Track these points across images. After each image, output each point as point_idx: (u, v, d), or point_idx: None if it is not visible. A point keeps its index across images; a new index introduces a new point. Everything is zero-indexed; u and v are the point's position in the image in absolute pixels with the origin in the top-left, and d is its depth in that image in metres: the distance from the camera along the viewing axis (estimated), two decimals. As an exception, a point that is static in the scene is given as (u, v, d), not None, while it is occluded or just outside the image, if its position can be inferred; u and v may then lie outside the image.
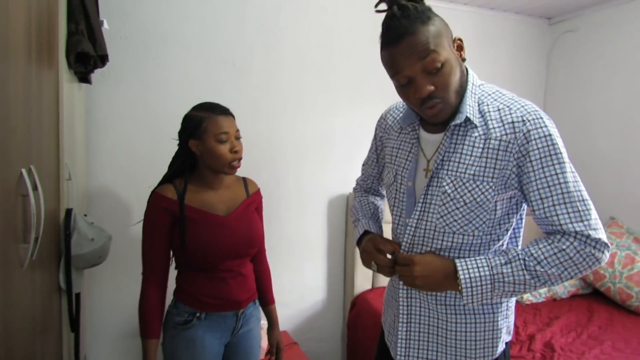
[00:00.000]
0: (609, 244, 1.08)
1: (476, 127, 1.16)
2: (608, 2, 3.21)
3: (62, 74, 1.56)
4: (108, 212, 2.46)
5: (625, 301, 2.78)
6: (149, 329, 1.60)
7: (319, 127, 2.95)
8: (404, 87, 1.15)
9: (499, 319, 1.25)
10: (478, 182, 1.14)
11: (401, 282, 1.29)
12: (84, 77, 1.95)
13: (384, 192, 1.62)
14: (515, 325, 2.55)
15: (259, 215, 1.85)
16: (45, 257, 1.34)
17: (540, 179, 1.10)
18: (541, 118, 1.12)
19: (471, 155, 1.15)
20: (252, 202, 1.79)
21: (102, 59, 1.91)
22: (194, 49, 2.65)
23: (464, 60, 1.19)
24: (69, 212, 1.59)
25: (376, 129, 1.50)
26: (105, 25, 2.02)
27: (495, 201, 1.16)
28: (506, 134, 1.12)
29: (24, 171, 1.04)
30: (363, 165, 1.62)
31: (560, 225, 1.09)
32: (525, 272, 1.10)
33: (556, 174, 1.09)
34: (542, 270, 1.09)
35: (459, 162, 1.17)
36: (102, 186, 2.49)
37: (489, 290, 1.12)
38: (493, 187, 1.14)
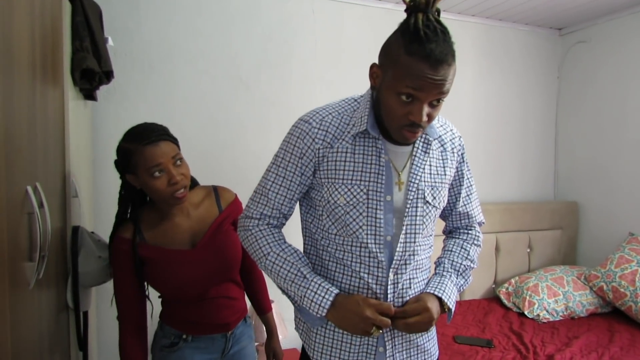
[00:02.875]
0: None
1: (433, 140, 1.29)
2: (621, 11, 3.18)
3: (67, 91, 1.56)
4: (116, 229, 2.44)
5: (649, 321, 2.69)
6: None
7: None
8: (401, 99, 1.09)
9: None
10: (445, 188, 1.31)
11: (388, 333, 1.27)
12: (89, 94, 1.95)
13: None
14: (533, 345, 2.50)
15: None
16: (52, 275, 1.32)
17: (468, 179, 1.41)
18: None
19: (437, 166, 1.29)
20: (228, 217, 1.60)
21: (108, 75, 1.91)
22: (199, 65, 2.65)
23: None
24: (75, 229, 1.57)
25: (303, 139, 1.23)
26: (110, 42, 2.02)
27: None
28: (454, 146, 1.34)
29: (29, 188, 1.03)
30: (270, 190, 1.27)
31: (475, 217, 1.45)
32: (470, 275, 1.38)
33: (471, 177, 1.44)
34: (475, 265, 1.40)
35: (430, 173, 1.27)
36: (109, 203, 2.47)
37: (455, 302, 1.31)
38: (447, 190, 1.35)
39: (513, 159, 3.62)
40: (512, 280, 3.19)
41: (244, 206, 1.43)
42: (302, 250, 1.36)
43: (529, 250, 3.43)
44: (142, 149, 1.40)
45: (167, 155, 1.41)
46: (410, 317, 1.19)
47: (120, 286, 1.52)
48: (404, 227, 1.23)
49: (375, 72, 1.18)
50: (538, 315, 2.85)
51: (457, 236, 1.46)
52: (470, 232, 1.45)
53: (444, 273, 1.34)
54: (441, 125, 1.34)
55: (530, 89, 3.63)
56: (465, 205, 1.43)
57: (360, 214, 1.21)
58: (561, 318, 2.88)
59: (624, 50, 3.20)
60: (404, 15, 1.13)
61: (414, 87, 1.06)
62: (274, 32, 2.81)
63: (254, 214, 1.30)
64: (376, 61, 1.19)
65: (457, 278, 1.35)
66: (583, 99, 3.53)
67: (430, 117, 1.13)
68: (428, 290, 1.28)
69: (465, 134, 3.41)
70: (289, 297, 1.29)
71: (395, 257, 1.23)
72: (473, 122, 3.46)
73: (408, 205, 1.22)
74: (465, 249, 1.40)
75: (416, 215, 1.24)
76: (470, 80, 3.42)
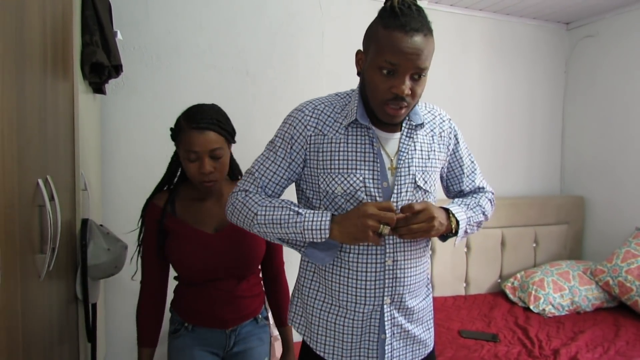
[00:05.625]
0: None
1: (422, 126, 1.32)
2: (628, 6, 3.16)
3: (77, 85, 1.57)
4: (123, 222, 2.46)
5: (655, 315, 2.68)
6: (141, 337, 1.59)
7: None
8: (382, 73, 1.15)
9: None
10: (435, 172, 1.33)
11: (386, 311, 1.27)
12: (98, 88, 1.96)
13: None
14: (538, 339, 2.50)
15: None
16: (62, 267, 1.33)
17: (468, 156, 1.45)
18: None
19: (427, 150, 1.31)
20: None
21: (117, 69, 1.92)
22: (207, 58, 2.65)
23: None
24: (84, 222, 1.59)
25: (294, 127, 1.27)
26: (119, 36, 2.03)
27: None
28: (443, 129, 1.37)
29: (40, 181, 1.04)
30: (257, 171, 1.31)
31: (478, 186, 1.46)
32: (482, 215, 1.38)
33: (471, 155, 1.47)
34: (487, 212, 1.41)
35: (421, 157, 1.29)
36: (117, 196, 2.50)
37: (464, 230, 1.32)
38: (438, 174, 1.37)
39: (519, 153, 3.61)
40: (518, 275, 3.19)
41: None
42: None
43: (534, 245, 3.43)
44: (188, 131, 1.44)
45: (206, 146, 1.43)
46: (413, 220, 1.18)
47: (146, 251, 1.57)
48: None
49: (359, 57, 1.26)
50: (544, 309, 2.85)
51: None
52: (479, 193, 1.46)
53: (457, 201, 1.37)
54: (429, 112, 1.37)
55: (537, 84, 3.61)
56: (472, 182, 1.46)
57: (361, 201, 1.23)
58: (567, 313, 2.87)
59: (631, 45, 3.18)
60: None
61: (393, 58, 1.12)
62: (281, 26, 2.81)
63: (239, 189, 1.31)
64: None
65: (467, 208, 1.35)
66: (590, 93, 3.50)
67: (414, 93, 1.16)
68: None
69: (472, 128, 3.42)
70: (292, 244, 1.27)
71: (388, 242, 1.25)
72: (480, 117, 3.45)
73: (395, 190, 1.24)
74: (475, 198, 1.41)
75: (406, 200, 1.25)
76: (477, 75, 3.41)
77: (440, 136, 1.36)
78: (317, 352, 1.34)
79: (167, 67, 2.57)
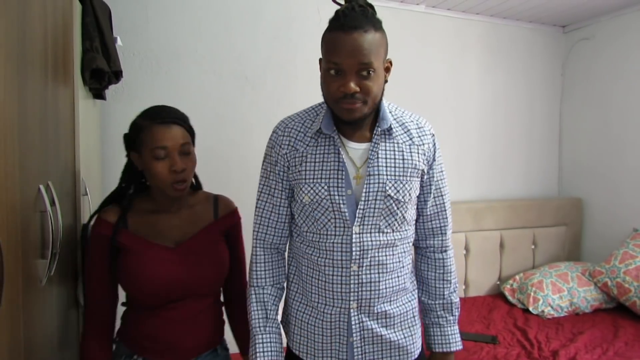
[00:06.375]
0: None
1: (398, 134, 1.31)
2: (624, 9, 3.18)
3: (77, 91, 1.57)
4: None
5: (653, 316, 2.69)
6: None
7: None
8: (332, 75, 1.18)
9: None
10: (411, 182, 1.30)
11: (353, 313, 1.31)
12: (98, 94, 1.97)
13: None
14: (537, 341, 2.51)
15: (233, 242, 1.51)
16: (63, 273, 1.34)
17: (438, 181, 1.39)
18: None
19: (402, 159, 1.30)
20: (221, 227, 1.47)
21: (117, 75, 1.93)
22: (206, 64, 2.67)
23: (386, 81, 1.26)
24: (85, 227, 1.59)
25: (273, 148, 1.34)
26: (119, 42, 2.04)
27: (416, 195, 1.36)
28: (423, 142, 1.33)
29: (41, 187, 1.05)
30: (262, 209, 1.37)
31: (441, 227, 1.42)
32: (459, 304, 1.46)
33: (444, 179, 1.40)
34: (457, 286, 1.46)
35: (394, 166, 1.28)
36: (117, 201, 2.50)
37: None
38: (417, 183, 1.33)
39: (517, 156, 3.62)
40: (517, 277, 3.20)
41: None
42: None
43: (533, 246, 3.44)
44: (152, 127, 1.31)
45: (175, 140, 1.31)
46: None
47: (93, 275, 1.37)
48: (357, 219, 1.26)
49: (320, 66, 1.28)
50: (543, 311, 2.86)
51: (432, 262, 1.45)
52: (443, 252, 1.44)
53: (440, 321, 1.43)
54: (412, 120, 1.37)
55: (535, 86, 3.63)
56: (436, 213, 1.42)
57: (326, 209, 1.27)
58: (566, 314, 2.88)
59: (627, 47, 3.20)
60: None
61: (335, 57, 1.16)
62: (279, 31, 2.83)
63: (257, 243, 1.39)
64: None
65: (452, 317, 1.44)
66: (586, 95, 3.52)
67: (366, 89, 1.17)
68: (435, 349, 1.42)
69: (469, 131, 3.43)
70: None
71: (354, 249, 1.27)
72: (478, 120, 3.47)
73: (362, 199, 1.26)
74: (448, 280, 1.44)
75: (374, 208, 1.26)
76: (475, 78, 3.42)
77: (418, 147, 1.33)
78: (293, 351, 1.39)
79: (167, 72, 2.58)
